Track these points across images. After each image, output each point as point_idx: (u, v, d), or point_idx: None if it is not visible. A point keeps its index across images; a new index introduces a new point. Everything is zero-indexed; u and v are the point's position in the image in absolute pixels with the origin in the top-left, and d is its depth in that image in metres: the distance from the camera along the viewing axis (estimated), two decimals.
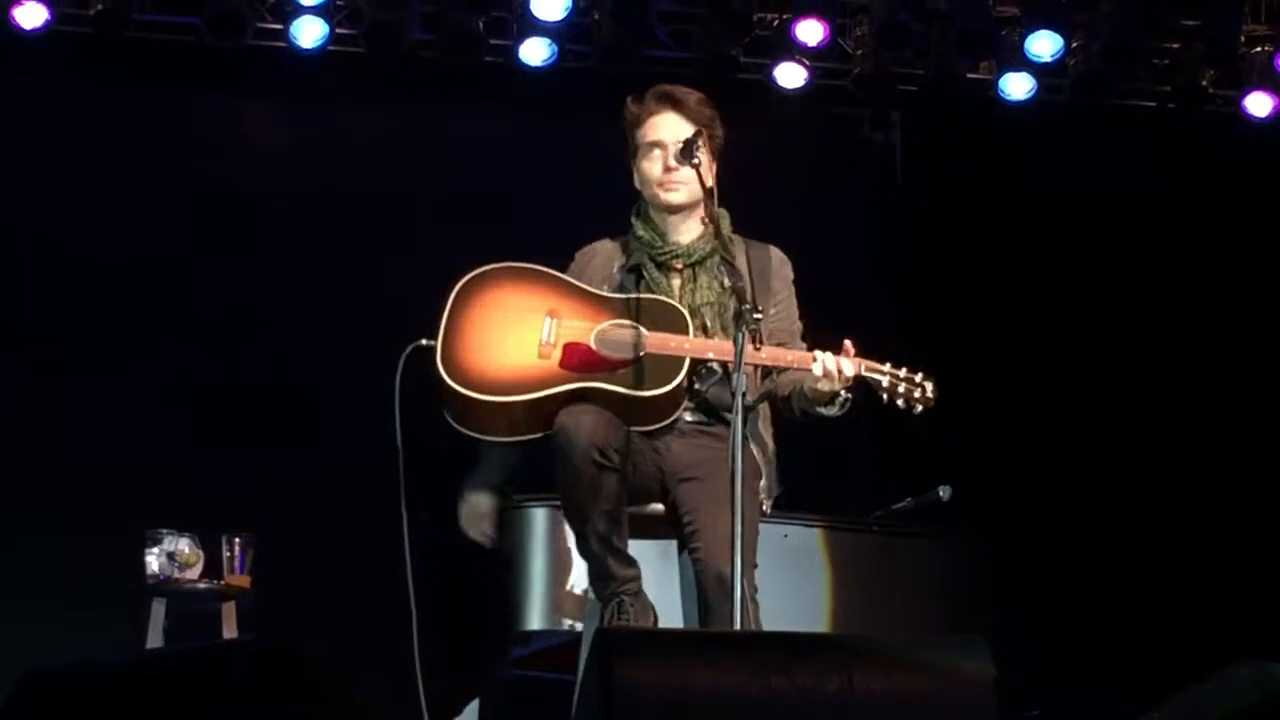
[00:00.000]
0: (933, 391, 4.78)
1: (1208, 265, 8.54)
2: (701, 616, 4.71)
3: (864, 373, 4.76)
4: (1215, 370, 8.46)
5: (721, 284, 4.95)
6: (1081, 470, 8.22)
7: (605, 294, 4.96)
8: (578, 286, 4.97)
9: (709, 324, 4.94)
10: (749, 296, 4.68)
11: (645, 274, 5.00)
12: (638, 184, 5.08)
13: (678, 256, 4.99)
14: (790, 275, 5.10)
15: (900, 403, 4.77)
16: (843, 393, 4.77)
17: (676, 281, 4.99)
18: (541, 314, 4.89)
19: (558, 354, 4.83)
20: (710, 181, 4.94)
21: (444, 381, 4.79)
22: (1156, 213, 8.57)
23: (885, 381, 4.76)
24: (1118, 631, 7.92)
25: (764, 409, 5.02)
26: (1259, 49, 8.34)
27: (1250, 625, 7.57)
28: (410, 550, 4.96)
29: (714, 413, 4.94)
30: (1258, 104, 8.40)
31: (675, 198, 4.99)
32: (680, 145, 4.90)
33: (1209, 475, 8.25)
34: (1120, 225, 8.59)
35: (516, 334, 4.86)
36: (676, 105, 5.01)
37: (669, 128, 5.00)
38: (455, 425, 4.87)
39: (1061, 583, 7.85)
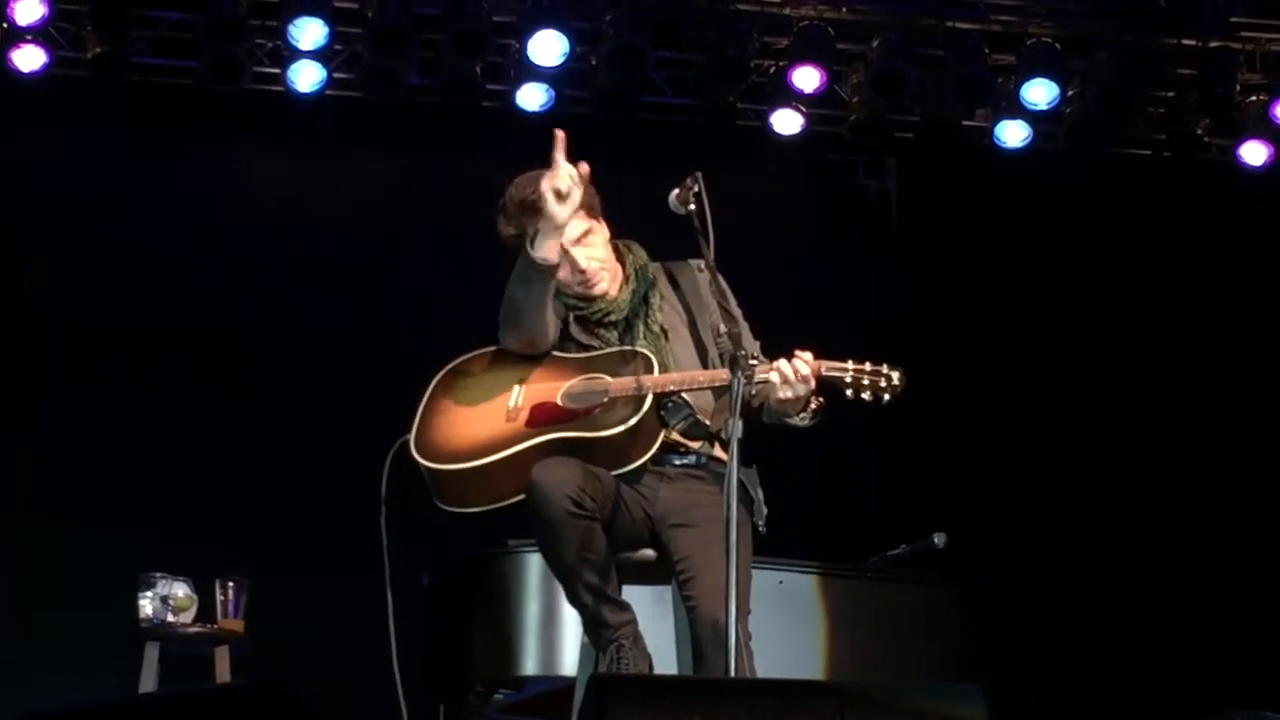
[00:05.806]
0: (900, 379, 4.66)
1: (1204, 312, 8.55)
2: (696, 663, 4.67)
3: (824, 373, 4.69)
4: (1214, 416, 8.45)
5: (657, 330, 4.93)
6: (1078, 517, 8.20)
7: (574, 356, 4.92)
8: (550, 354, 4.93)
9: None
10: (716, 326, 4.69)
11: (585, 330, 4.98)
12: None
13: (609, 314, 4.97)
14: (722, 283, 4.95)
15: (867, 395, 4.66)
16: (812, 401, 4.70)
17: (614, 335, 4.95)
18: (512, 384, 4.87)
19: (524, 415, 4.80)
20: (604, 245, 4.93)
21: (414, 460, 4.76)
22: (1153, 260, 8.58)
23: (848, 377, 4.68)
24: (1113, 679, 7.89)
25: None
26: (1254, 98, 8.38)
27: (1245, 672, 7.56)
28: (394, 627, 4.93)
29: (700, 454, 4.89)
30: (1253, 153, 8.43)
31: (604, 285, 4.96)
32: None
33: (1204, 522, 8.24)
34: (1117, 274, 8.60)
35: (485, 406, 4.84)
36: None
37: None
38: (441, 506, 4.82)
39: (1056, 630, 7.82)
